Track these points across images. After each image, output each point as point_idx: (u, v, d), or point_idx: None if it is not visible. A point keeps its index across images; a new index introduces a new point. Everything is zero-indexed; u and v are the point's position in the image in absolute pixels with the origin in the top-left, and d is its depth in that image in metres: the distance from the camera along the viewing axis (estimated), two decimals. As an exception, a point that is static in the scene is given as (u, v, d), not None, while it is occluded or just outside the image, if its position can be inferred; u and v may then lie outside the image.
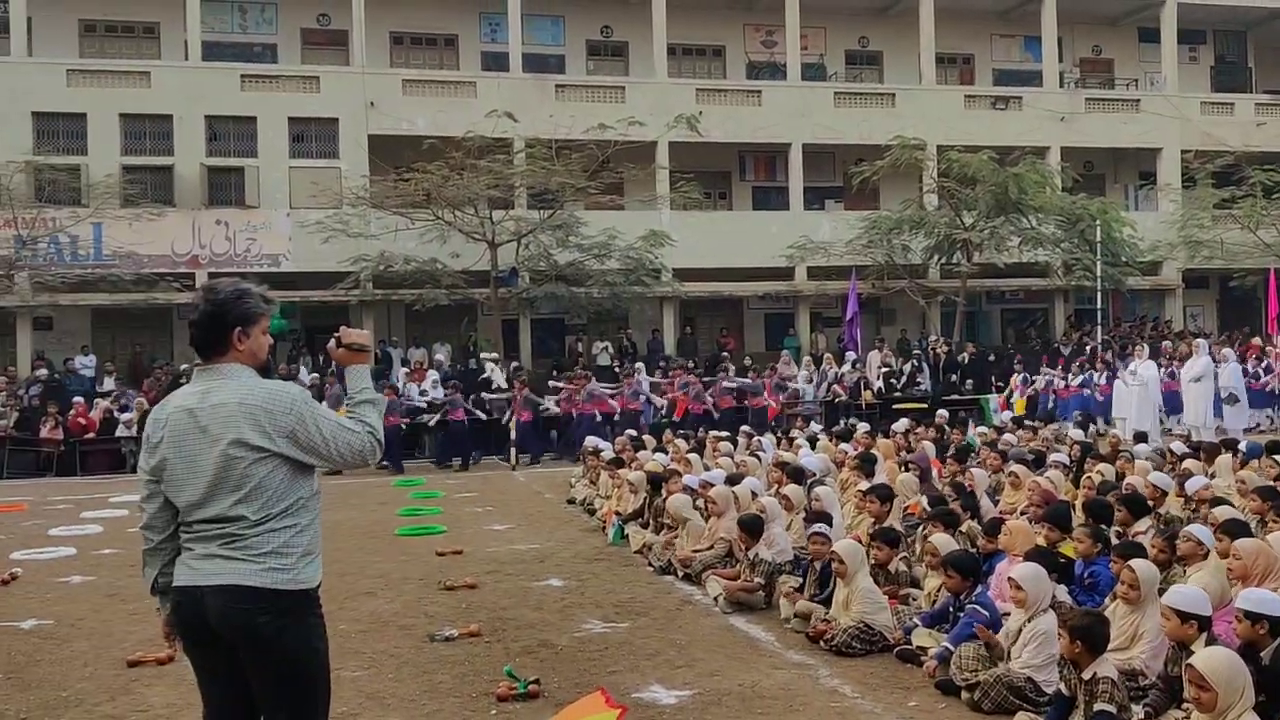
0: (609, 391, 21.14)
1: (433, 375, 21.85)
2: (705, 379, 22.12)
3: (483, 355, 23.20)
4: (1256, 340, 24.89)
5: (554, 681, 6.36)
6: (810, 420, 20.69)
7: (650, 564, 9.76)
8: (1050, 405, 20.95)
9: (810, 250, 27.37)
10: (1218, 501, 8.30)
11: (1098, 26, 33.94)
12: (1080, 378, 21.68)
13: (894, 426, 15.49)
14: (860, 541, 7.60)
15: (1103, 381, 21.24)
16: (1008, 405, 21.26)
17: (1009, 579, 6.07)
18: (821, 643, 6.95)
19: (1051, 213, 26.12)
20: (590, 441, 16.01)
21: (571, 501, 14.18)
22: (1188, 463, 10.72)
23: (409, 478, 17.66)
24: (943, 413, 17.56)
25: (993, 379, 23.62)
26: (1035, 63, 32.26)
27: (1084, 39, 34.12)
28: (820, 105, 29.64)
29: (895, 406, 20.84)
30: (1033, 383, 22.40)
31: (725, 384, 21.54)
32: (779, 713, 5.83)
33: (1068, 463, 11.35)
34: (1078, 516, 8.27)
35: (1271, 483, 9.29)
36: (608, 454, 14.50)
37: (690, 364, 24.09)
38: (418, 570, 9.82)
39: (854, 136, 29.24)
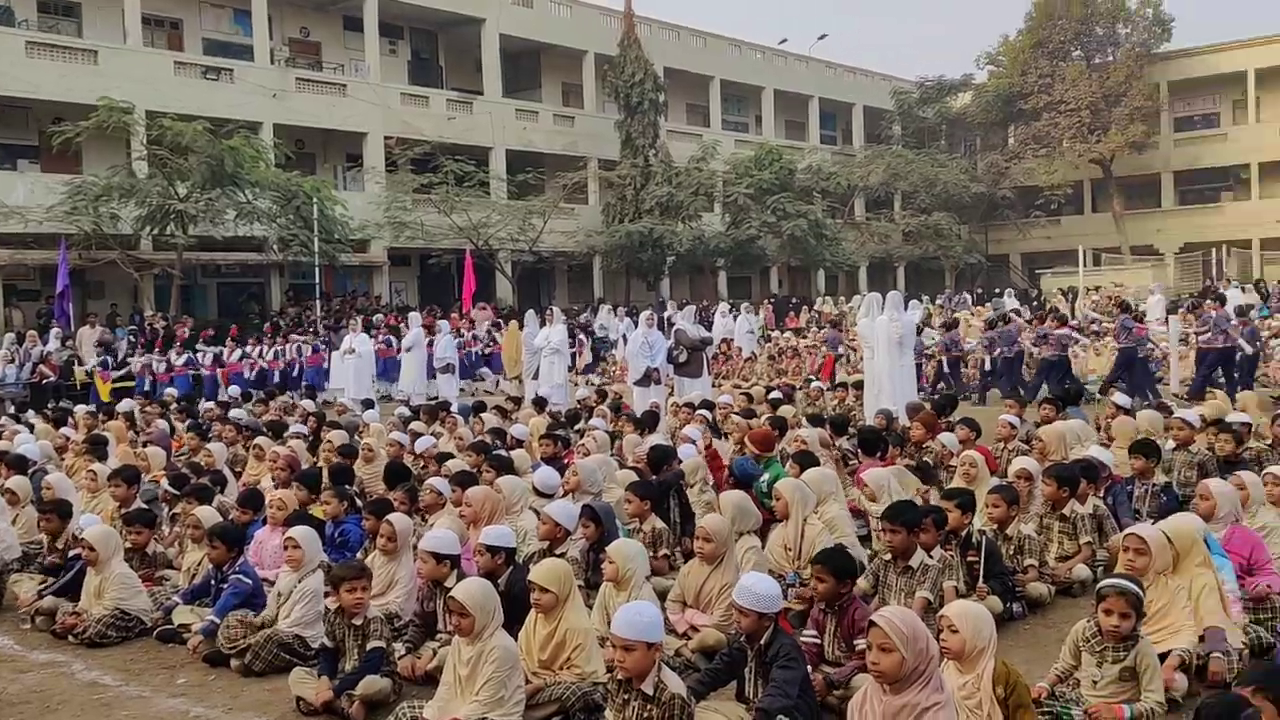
0: None
1: None
2: None
3: None
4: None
5: None
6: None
7: None
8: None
9: (3, 215, 24.38)
10: (445, 456, 9.34)
11: (306, 9, 34.95)
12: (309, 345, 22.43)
13: (119, 407, 14.63)
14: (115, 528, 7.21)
15: (310, 352, 22.24)
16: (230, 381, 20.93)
17: (289, 538, 6.22)
18: (71, 637, 6.50)
19: (267, 188, 26.43)
20: None
21: None
22: (414, 424, 11.83)
23: None
24: (171, 390, 17.00)
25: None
26: (246, 37, 32.22)
27: (293, 20, 34.91)
28: (10, 52, 26.42)
29: (116, 386, 19.59)
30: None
31: None
32: (35, 715, 5.38)
33: (305, 432, 11.79)
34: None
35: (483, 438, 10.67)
36: None
37: None
38: None
39: (52, 92, 26.61)
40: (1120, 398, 11.98)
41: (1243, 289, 29.70)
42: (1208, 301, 19.43)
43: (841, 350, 21.36)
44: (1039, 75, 45.14)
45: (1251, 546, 6.38)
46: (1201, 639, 5.34)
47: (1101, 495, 7.63)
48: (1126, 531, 5.76)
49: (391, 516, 6.58)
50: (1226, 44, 46.82)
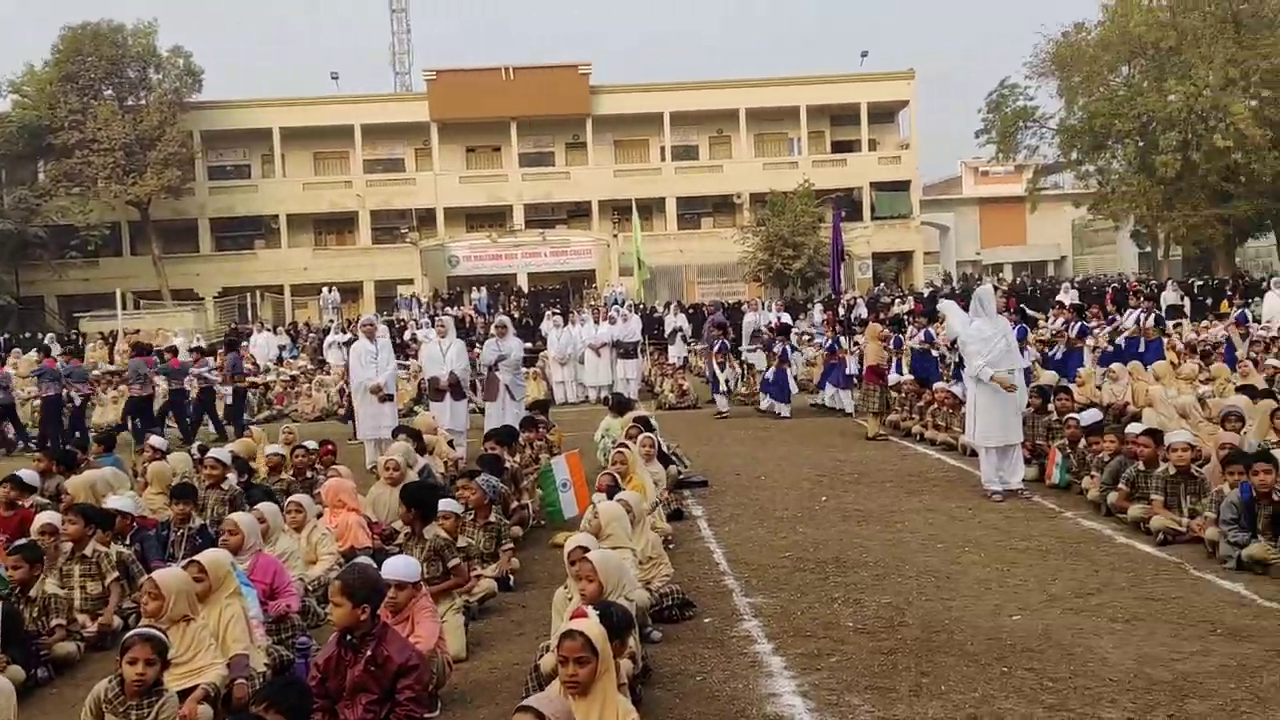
0: None
1: None
2: None
3: None
4: None
5: None
6: None
7: None
8: None
9: None
10: None
11: None
12: None
13: None
14: None
15: None
16: None
17: None
18: None
19: None
20: None
21: None
22: None
23: None
24: None
25: None
26: None
27: None
28: None
29: None
30: None
31: None
32: None
33: None
34: None
35: None
36: None
37: None
38: None
39: None
40: (157, 440, 11.93)
41: (274, 330, 31.88)
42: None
43: None
44: (70, 111, 43.16)
45: (274, 572, 6.80)
46: (229, 667, 5.52)
47: (127, 541, 7.51)
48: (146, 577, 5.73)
49: None
50: (255, 100, 50.01)
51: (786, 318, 22.99)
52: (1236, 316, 19.82)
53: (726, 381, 18.51)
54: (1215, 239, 43.20)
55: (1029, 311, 24.48)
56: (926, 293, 38.95)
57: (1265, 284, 29.31)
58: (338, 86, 52.82)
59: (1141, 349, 16.04)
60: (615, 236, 47.73)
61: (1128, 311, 16.85)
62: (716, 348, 18.47)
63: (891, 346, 17.25)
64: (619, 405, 12.83)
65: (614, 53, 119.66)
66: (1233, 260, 46.02)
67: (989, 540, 8.45)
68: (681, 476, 11.24)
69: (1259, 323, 22.96)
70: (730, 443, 14.93)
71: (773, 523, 9.49)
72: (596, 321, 22.34)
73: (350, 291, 47.55)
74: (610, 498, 7.33)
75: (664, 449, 10.97)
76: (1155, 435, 8.86)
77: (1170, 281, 34.39)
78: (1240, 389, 11.80)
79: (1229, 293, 28.72)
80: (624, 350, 21.31)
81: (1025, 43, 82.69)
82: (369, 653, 4.69)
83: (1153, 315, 16.29)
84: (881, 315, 24.62)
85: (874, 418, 14.67)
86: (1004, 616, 6.47)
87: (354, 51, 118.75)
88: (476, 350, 16.83)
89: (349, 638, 4.77)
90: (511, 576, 7.69)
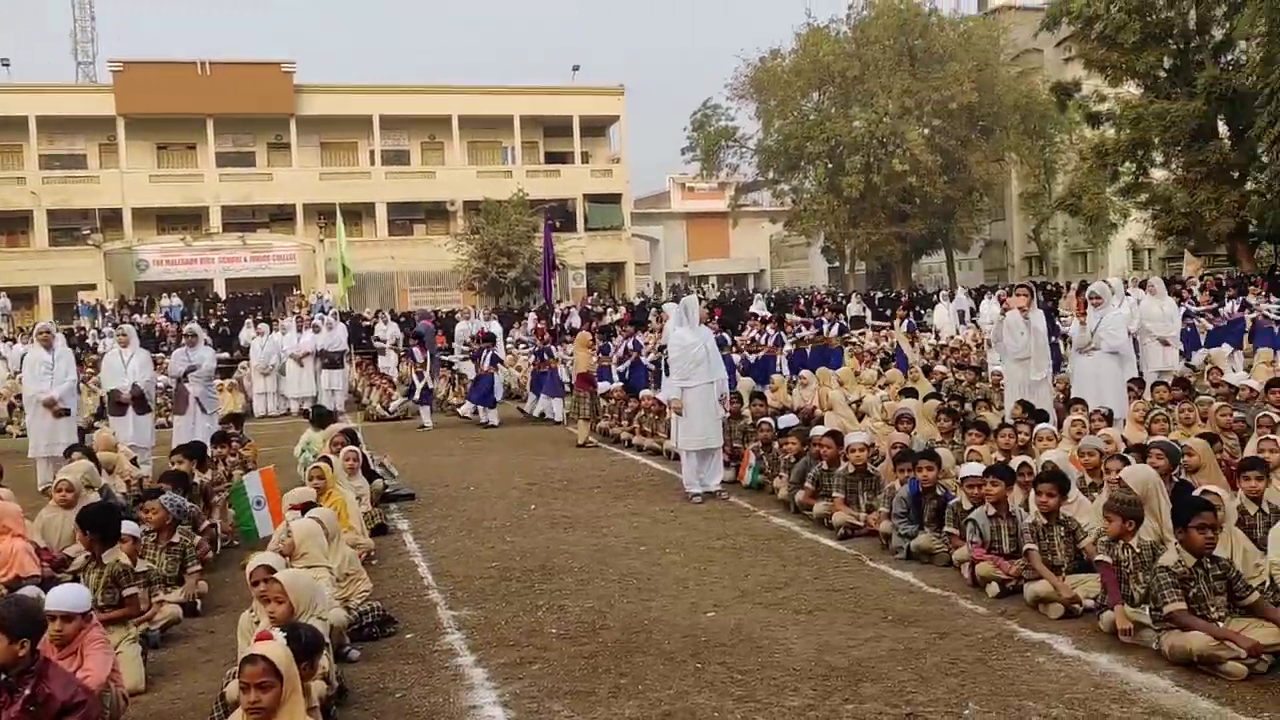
0: None
1: None
2: None
3: None
4: None
5: None
6: None
7: None
8: None
9: None
10: None
11: None
12: None
13: None
14: None
15: None
16: None
17: None
18: None
19: None
20: None
21: None
22: None
23: None
24: None
25: None
26: None
27: None
28: None
29: None
30: None
31: None
32: None
33: None
34: None
35: None
36: None
37: None
38: None
39: None
40: None
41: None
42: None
43: None
44: None
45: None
46: None
47: None
48: None
49: None
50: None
51: (494, 325, 22.96)
52: (905, 326, 21.53)
53: (426, 391, 18.24)
54: (894, 255, 46.92)
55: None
56: (637, 302, 40.04)
57: (936, 297, 32.13)
58: (9, 74, 48.13)
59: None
60: (321, 241, 46.12)
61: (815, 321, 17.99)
62: (420, 360, 18.19)
63: (600, 354, 17.60)
64: (320, 418, 12.36)
65: (321, 53, 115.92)
66: (909, 275, 50.13)
67: (689, 540, 8.76)
68: (388, 490, 10.98)
69: (929, 331, 25.14)
70: (440, 453, 14.74)
71: (480, 533, 9.43)
72: (300, 330, 21.46)
73: (24, 298, 43.41)
74: (304, 514, 7.05)
75: (369, 462, 10.69)
76: (836, 436, 9.50)
77: (854, 294, 37.02)
78: (903, 392, 12.87)
79: (901, 304, 31.24)
80: (329, 360, 20.60)
81: (729, 65, 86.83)
82: (27, 692, 4.28)
83: (835, 326, 17.48)
84: (593, 324, 25.07)
85: (584, 424, 14.91)
86: (700, 614, 6.72)
87: (29, 37, 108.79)
88: (165, 361, 15.78)
89: (4, 677, 4.34)
90: (199, 601, 7.25)
